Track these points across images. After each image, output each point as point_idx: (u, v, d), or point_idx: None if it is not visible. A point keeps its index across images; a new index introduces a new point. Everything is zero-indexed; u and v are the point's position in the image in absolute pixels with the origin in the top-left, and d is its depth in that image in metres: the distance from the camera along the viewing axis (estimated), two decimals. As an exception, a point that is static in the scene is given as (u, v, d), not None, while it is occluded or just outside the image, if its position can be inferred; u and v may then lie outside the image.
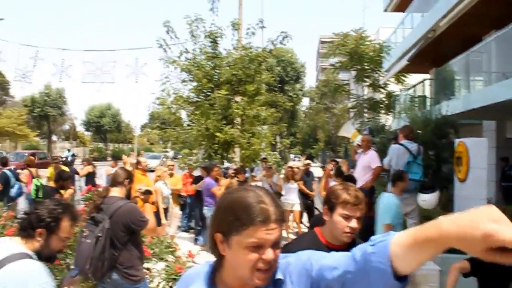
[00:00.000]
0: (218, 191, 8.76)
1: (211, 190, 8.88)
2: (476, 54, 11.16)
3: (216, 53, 11.37)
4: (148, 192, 4.27)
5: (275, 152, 18.74)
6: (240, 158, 11.95)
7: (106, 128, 64.50)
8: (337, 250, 2.28)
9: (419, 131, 8.88)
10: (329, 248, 2.29)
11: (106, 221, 3.76)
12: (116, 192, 4.04)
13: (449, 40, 12.32)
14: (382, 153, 7.97)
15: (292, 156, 46.38)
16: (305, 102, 51.54)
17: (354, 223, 2.25)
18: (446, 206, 8.42)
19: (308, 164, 11.79)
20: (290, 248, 2.28)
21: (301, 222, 10.96)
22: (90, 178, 12.71)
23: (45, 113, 51.65)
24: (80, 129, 68.40)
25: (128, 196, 4.14)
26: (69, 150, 35.05)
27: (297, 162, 14.55)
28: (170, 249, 5.50)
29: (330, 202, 2.33)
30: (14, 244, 2.28)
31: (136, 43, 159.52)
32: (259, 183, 10.85)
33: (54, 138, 57.44)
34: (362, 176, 7.23)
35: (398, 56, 16.74)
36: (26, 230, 2.33)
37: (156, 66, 18.27)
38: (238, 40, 11.79)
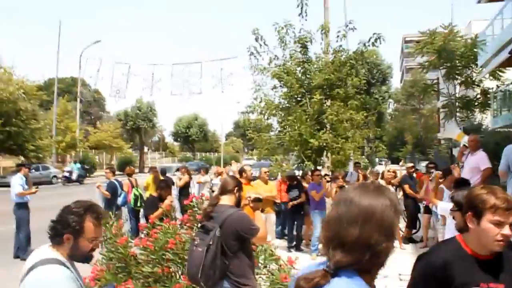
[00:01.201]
0: (316, 195, 8.97)
1: (312, 194, 9.06)
2: None
3: (306, 58, 11.30)
4: (258, 200, 4.25)
5: (363, 157, 18.33)
6: (331, 163, 11.78)
7: (193, 138, 66.75)
8: (484, 260, 2.12)
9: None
10: (475, 258, 2.14)
11: (217, 229, 3.77)
12: (226, 200, 4.06)
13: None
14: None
15: (377, 159, 45.13)
16: (391, 104, 50.00)
17: (507, 230, 2.06)
18: None
19: (412, 167, 11.36)
20: (431, 258, 2.15)
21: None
22: (186, 187, 13.11)
23: (137, 126, 54.44)
24: (169, 139, 71.40)
25: (238, 204, 4.15)
26: (75, 162, 34.40)
27: (382, 166, 14.03)
28: (274, 257, 5.47)
29: (476, 208, 2.13)
30: (48, 251, 2.36)
31: (221, 54, 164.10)
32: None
33: (145, 149, 60.28)
34: (470, 178, 6.79)
35: (496, 49, 15.65)
36: (55, 238, 2.39)
37: (242, 75, 18.55)
38: (327, 44, 11.64)
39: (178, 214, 7.98)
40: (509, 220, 2.05)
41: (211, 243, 3.73)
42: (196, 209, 5.52)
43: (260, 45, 11.32)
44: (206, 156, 66.33)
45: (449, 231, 5.41)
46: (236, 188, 4.13)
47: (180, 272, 4.97)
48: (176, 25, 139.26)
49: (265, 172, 9.73)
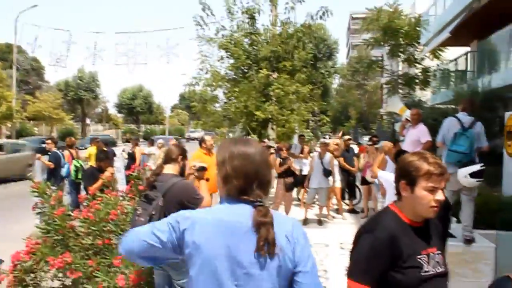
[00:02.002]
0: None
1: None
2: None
3: (254, 29, 11.16)
4: (202, 169, 4.17)
5: (308, 130, 18.56)
6: (276, 135, 11.82)
7: (138, 110, 65.42)
8: (418, 227, 2.13)
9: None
10: (412, 226, 2.11)
11: (160, 198, 3.68)
12: (170, 169, 3.96)
13: (495, 9, 11.77)
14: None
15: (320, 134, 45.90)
16: (337, 79, 50.79)
17: (440, 195, 2.03)
18: (493, 183, 8.15)
19: (349, 140, 11.57)
20: (378, 234, 2.05)
21: (342, 199, 10.82)
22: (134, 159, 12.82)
23: (79, 97, 52.58)
24: (113, 111, 69.55)
25: (182, 173, 4.05)
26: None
27: (327, 140, 14.26)
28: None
29: (409, 176, 2.07)
30: None
31: (167, 24, 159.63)
32: (305, 160, 10.65)
33: (87, 121, 58.46)
34: (411, 151, 6.99)
35: (438, 29, 16.15)
36: None
37: (187, 46, 18.14)
38: (275, 16, 11.54)
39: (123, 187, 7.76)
40: (442, 185, 2.04)
41: (153, 212, 3.64)
42: (139, 179, 5.38)
43: (207, 15, 11.08)
44: (151, 128, 65.28)
45: (389, 202, 5.58)
46: (180, 156, 4.04)
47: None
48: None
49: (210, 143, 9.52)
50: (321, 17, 11.06)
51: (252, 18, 11.12)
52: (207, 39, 11.01)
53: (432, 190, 2.03)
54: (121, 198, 5.27)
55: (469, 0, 12.86)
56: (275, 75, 11.06)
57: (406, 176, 2.09)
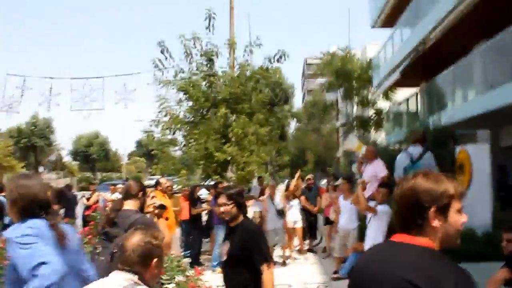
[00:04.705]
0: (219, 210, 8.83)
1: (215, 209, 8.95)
2: (467, 64, 11.29)
3: (212, 72, 11.31)
4: (162, 207, 4.12)
5: (266, 174, 18.68)
6: (236, 178, 11.82)
7: (94, 157, 64.08)
8: None
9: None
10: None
11: (122, 235, 3.59)
12: (130, 205, 3.89)
13: (440, 52, 12.49)
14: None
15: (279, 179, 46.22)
16: (293, 124, 51.66)
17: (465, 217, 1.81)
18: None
19: (311, 179, 11.74)
20: (439, 278, 1.62)
21: (304, 239, 10.83)
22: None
23: (32, 144, 51.16)
24: (68, 159, 67.84)
25: (141, 210, 3.99)
26: None
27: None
28: (180, 268, 5.33)
29: (439, 201, 1.75)
30: None
31: (123, 69, 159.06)
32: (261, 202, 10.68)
33: (41, 169, 56.70)
34: (370, 187, 7.16)
35: (388, 71, 16.91)
36: None
37: (144, 92, 18.16)
38: (233, 59, 11.74)
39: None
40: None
41: (116, 250, 3.53)
42: (99, 219, 5.25)
43: (166, 58, 11.17)
44: (108, 175, 63.83)
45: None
46: (141, 192, 3.98)
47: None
48: (75, 37, 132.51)
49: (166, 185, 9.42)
50: (278, 60, 11.34)
51: (210, 60, 11.28)
52: (165, 81, 11.06)
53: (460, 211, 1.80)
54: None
55: (415, 43, 13.56)
56: (233, 116, 11.17)
57: (434, 201, 1.75)
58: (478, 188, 7.74)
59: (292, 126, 52.32)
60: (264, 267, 3.46)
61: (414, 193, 1.78)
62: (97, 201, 12.34)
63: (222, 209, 3.69)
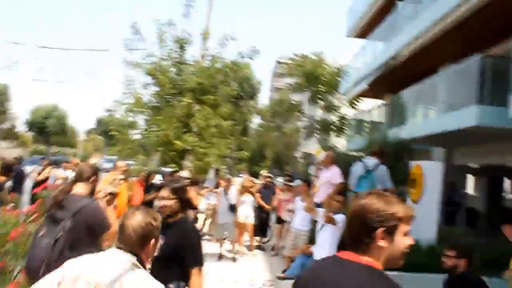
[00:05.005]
0: None
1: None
2: (432, 84, 11.59)
3: (183, 59, 11.19)
4: (112, 195, 4.00)
5: (224, 167, 18.66)
6: (193, 168, 11.76)
7: (50, 130, 62.24)
8: None
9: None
10: None
11: (69, 219, 3.45)
12: (81, 188, 3.74)
13: (409, 68, 12.78)
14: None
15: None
16: (256, 120, 51.76)
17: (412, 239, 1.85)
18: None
19: (268, 177, 11.79)
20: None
21: (254, 236, 10.87)
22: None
23: (-16, 110, 49.31)
24: (23, 129, 65.61)
25: (91, 195, 3.85)
26: None
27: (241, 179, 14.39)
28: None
29: (387, 223, 1.77)
30: None
31: (94, 44, 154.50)
32: (216, 194, 10.68)
33: (-8, 136, 54.64)
34: (323, 192, 7.25)
35: (356, 80, 17.21)
36: None
37: (111, 71, 17.71)
38: (206, 50, 11.66)
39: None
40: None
41: (61, 234, 3.39)
42: (47, 198, 5.09)
43: (138, 39, 10.98)
44: (63, 150, 62.15)
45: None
46: (94, 177, 3.85)
47: (19, 268, 4.48)
48: (46, 5, 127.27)
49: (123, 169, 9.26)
50: (250, 56, 11.33)
51: (182, 48, 11.15)
52: (134, 63, 10.86)
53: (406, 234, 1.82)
54: (23, 218, 4.95)
55: (386, 58, 13.81)
56: (197, 106, 11.08)
57: (383, 222, 1.77)
58: (428, 202, 7.99)
59: (256, 122, 52.44)
60: (195, 271, 3.32)
61: (364, 213, 1.80)
62: (47, 178, 11.96)
63: (163, 202, 3.48)
